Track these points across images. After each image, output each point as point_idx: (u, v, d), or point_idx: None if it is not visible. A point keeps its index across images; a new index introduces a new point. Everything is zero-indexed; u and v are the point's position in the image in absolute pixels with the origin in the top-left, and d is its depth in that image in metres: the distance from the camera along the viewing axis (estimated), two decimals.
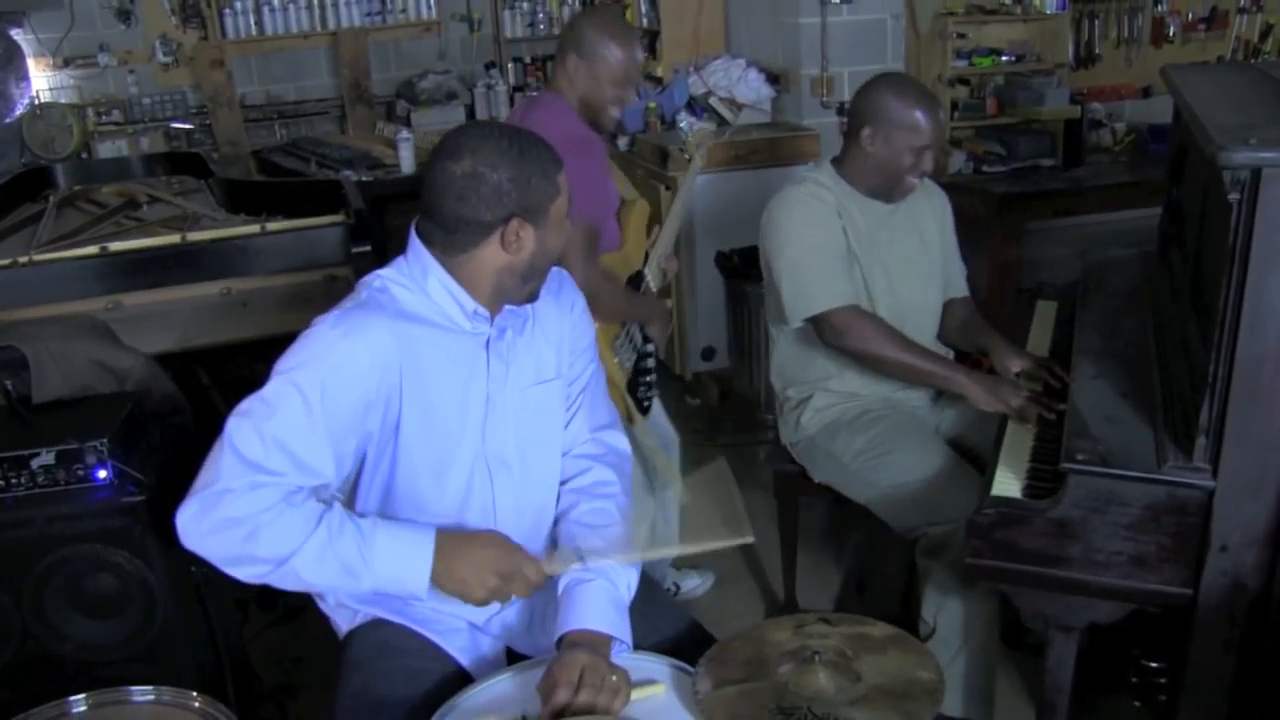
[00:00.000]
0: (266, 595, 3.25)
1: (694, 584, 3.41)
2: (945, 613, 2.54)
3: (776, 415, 3.05)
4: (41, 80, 6.57)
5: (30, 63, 6.49)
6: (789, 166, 4.61)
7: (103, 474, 2.31)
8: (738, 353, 4.53)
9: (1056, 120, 4.80)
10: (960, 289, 3.02)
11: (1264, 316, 1.83)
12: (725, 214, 4.53)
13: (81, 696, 1.93)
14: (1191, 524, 1.98)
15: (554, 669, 1.74)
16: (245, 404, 1.74)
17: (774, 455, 3.06)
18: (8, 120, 6.30)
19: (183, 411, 2.81)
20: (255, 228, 3.52)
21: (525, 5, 7.22)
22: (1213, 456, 1.93)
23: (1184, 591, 2.02)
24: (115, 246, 3.40)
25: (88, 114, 6.55)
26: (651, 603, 2.01)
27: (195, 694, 1.92)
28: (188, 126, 6.66)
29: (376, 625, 1.97)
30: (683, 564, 3.44)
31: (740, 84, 5.03)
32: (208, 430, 2.91)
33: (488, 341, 1.89)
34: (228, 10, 6.62)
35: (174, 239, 3.46)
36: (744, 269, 4.30)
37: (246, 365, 3.37)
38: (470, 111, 6.86)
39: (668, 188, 4.58)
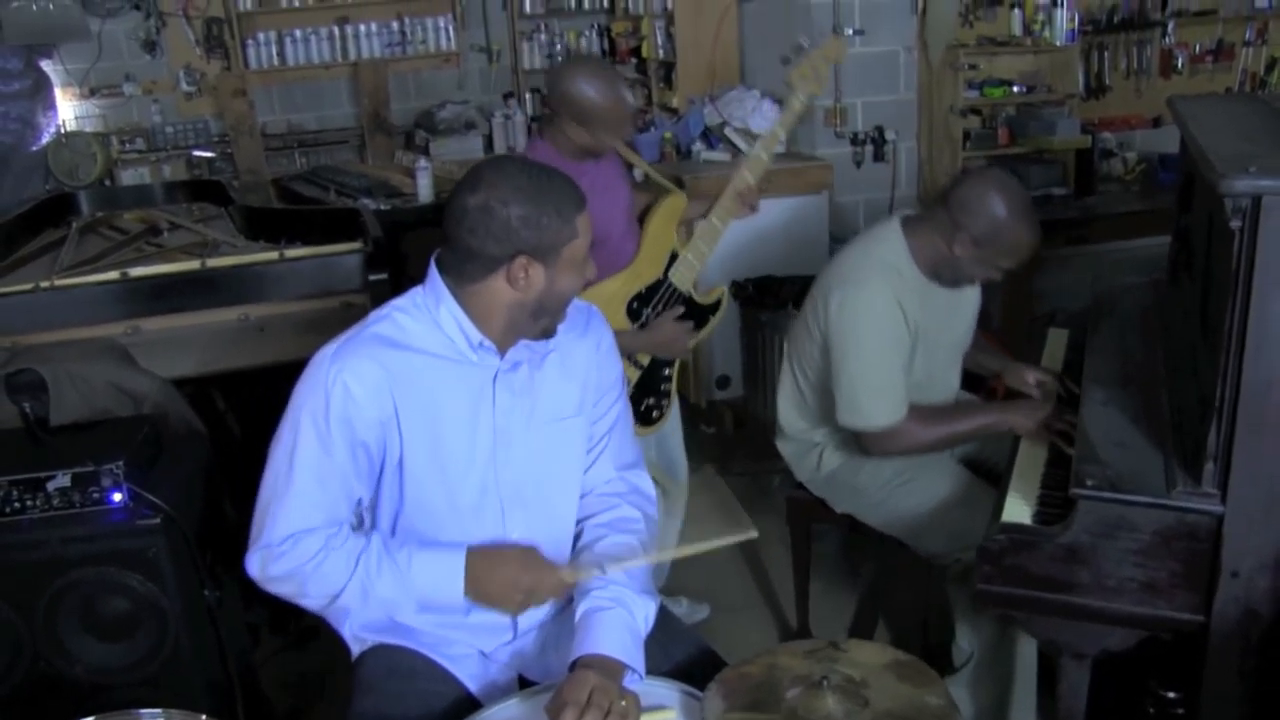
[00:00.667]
0: (278, 619, 3.25)
1: (682, 611, 3.36)
2: (982, 639, 2.53)
3: (788, 454, 2.97)
4: (68, 109, 6.66)
5: (58, 92, 6.59)
6: (804, 197, 4.64)
7: (118, 497, 2.30)
8: (752, 381, 4.52)
9: (1067, 150, 4.82)
10: None
11: (1269, 341, 1.84)
12: (740, 244, 4.44)
13: (92, 719, 1.92)
14: (1201, 550, 1.96)
15: (563, 689, 1.73)
16: (273, 446, 1.85)
17: (787, 482, 3.04)
18: (34, 148, 6.38)
19: (199, 436, 2.81)
20: (274, 254, 3.52)
21: (543, 37, 7.27)
22: (1221, 481, 1.93)
23: (1196, 618, 2.01)
24: (135, 272, 3.40)
25: (111, 142, 6.64)
26: (665, 628, 2.00)
27: (205, 717, 1.91)
28: (209, 154, 6.73)
29: (388, 649, 1.97)
30: (675, 591, 3.41)
31: (755, 114, 5.04)
32: (223, 454, 2.93)
33: (496, 374, 1.88)
34: (250, 41, 6.72)
35: (193, 265, 3.46)
36: (759, 298, 4.30)
37: (263, 390, 3.38)
38: (488, 141, 6.89)
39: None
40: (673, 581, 3.39)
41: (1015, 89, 4.92)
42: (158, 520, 2.29)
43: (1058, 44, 4.85)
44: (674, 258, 3.01)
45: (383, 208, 4.77)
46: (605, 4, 7.20)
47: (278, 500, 1.82)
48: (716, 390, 4.80)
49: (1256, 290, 1.81)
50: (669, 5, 5.74)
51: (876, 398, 2.59)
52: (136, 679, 2.35)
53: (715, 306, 3.11)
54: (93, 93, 6.68)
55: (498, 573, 1.84)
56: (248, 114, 6.60)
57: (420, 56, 7.01)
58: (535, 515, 1.95)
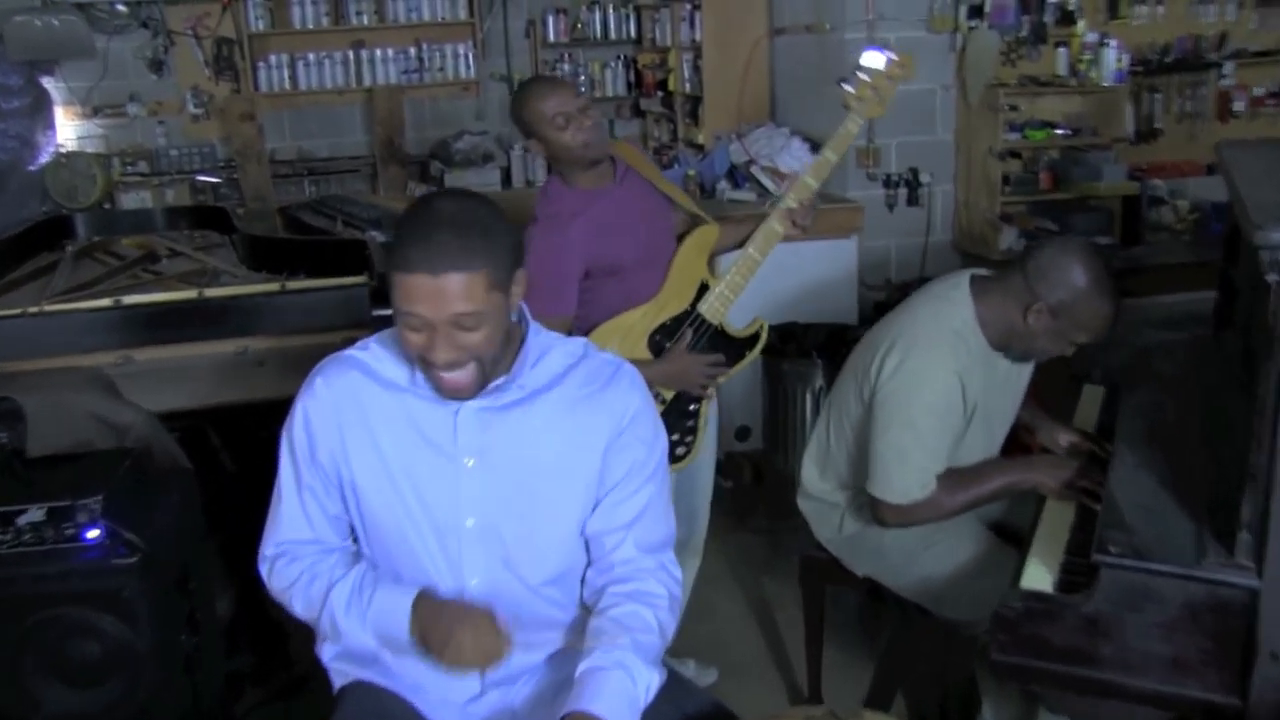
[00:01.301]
0: (263, 668, 3.24)
1: (690, 674, 3.32)
2: (1007, 716, 2.51)
3: (809, 512, 2.94)
4: (69, 129, 6.76)
5: (59, 110, 6.68)
6: (831, 240, 4.63)
7: (93, 534, 2.29)
8: (773, 434, 4.49)
9: (1114, 196, 4.82)
10: None
11: None
12: (763, 290, 4.30)
13: None
14: (1235, 626, 1.93)
15: None
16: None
17: (806, 541, 2.99)
18: (32, 168, 6.46)
19: (184, 472, 2.82)
20: (275, 286, 3.55)
21: (567, 67, 7.35)
22: (1257, 553, 1.90)
23: (1231, 701, 1.95)
24: (130, 300, 3.42)
25: (113, 164, 6.72)
26: (677, 685, 1.99)
27: None
28: (214, 180, 6.79)
29: (368, 688, 2.01)
30: (683, 653, 3.39)
31: (783, 153, 5.07)
32: (216, 493, 2.94)
33: (458, 410, 1.88)
34: (262, 64, 6.80)
35: (190, 294, 3.48)
36: (781, 346, 4.27)
37: (260, 427, 3.39)
38: (506, 174, 6.95)
39: None
40: (679, 642, 3.38)
41: (1059, 131, 4.93)
42: (135, 560, 2.29)
43: (1105, 84, 4.86)
44: (703, 290, 3.02)
45: (391, 241, 4.79)
46: (632, 35, 7.30)
47: (272, 513, 2.00)
48: (735, 441, 4.78)
49: None
50: (697, 38, 5.83)
51: (911, 474, 2.56)
52: None
53: (753, 340, 3.10)
54: (95, 112, 6.78)
55: (440, 624, 1.85)
56: (256, 139, 6.66)
57: (438, 84, 7.10)
58: (496, 566, 1.94)
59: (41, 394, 2.64)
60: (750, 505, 4.56)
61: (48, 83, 6.62)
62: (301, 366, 3.65)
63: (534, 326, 1.94)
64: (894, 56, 2.96)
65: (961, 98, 4.90)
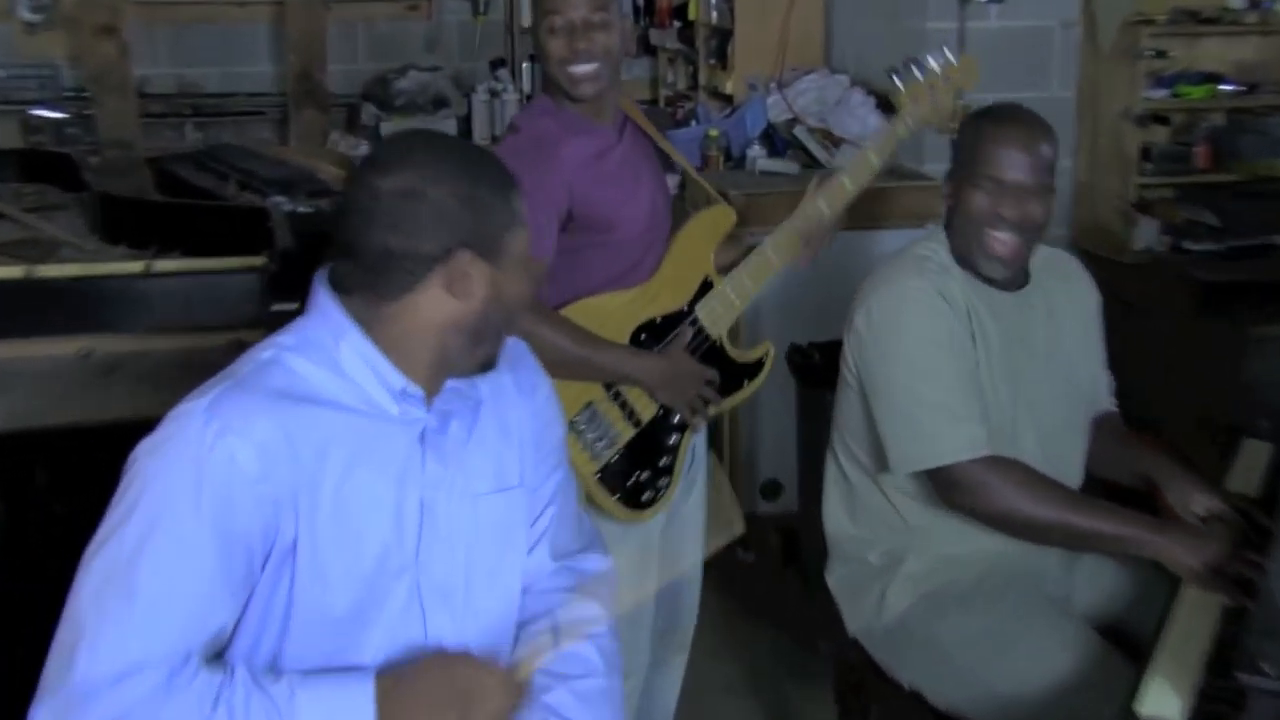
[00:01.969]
0: None
1: None
2: None
3: (838, 588, 3.02)
4: None
5: None
6: (901, 231, 4.63)
7: None
8: (812, 488, 4.45)
9: None
10: (1106, 402, 3.11)
11: None
12: (804, 294, 4.53)
13: None
14: None
15: None
16: (98, 543, 1.82)
17: (840, 639, 3.05)
18: None
19: None
20: (138, 266, 3.59)
21: None
22: None
23: None
24: None
25: None
26: None
27: None
28: (58, 116, 6.78)
29: None
30: None
31: (840, 110, 5.14)
32: (31, 554, 2.90)
33: (423, 433, 1.96)
34: None
35: (15, 273, 3.49)
36: (826, 372, 4.22)
37: (107, 460, 3.35)
38: (465, 124, 7.00)
39: None
40: None
41: (1225, 87, 4.92)
42: None
43: None
44: (705, 288, 3.10)
45: (302, 210, 4.77)
46: None
47: (100, 623, 1.77)
48: (761, 501, 4.82)
49: None
50: None
51: (944, 425, 2.71)
52: None
53: (755, 368, 3.21)
54: None
55: (423, 696, 1.86)
56: (118, 62, 6.63)
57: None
58: (464, 618, 2.03)
59: None
60: (779, 590, 4.59)
61: None
62: (167, 379, 3.61)
63: None
64: (953, 59, 3.15)
65: (1088, 39, 4.91)
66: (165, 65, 7.12)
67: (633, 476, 3.04)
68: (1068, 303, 3.01)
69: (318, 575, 1.90)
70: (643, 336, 3.05)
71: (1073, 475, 2.96)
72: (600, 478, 2.98)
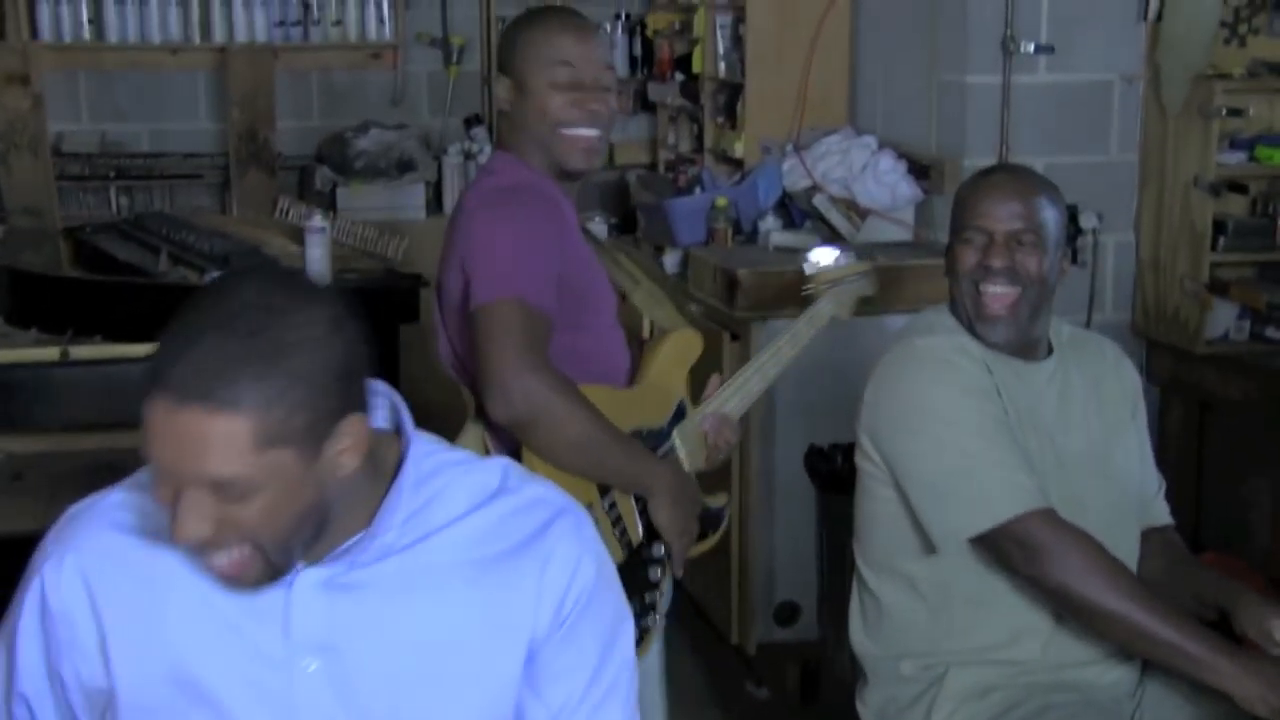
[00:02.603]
0: None
1: None
2: None
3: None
4: None
5: None
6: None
7: None
8: (834, 611, 4.39)
9: None
10: (1158, 508, 3.08)
11: None
12: (824, 386, 4.51)
13: None
14: None
15: None
16: None
17: None
18: None
19: None
20: (51, 353, 3.72)
21: None
22: None
23: None
24: None
25: None
26: None
27: None
28: None
29: None
30: None
31: (867, 176, 5.12)
32: None
33: (289, 584, 1.84)
34: None
35: None
36: (850, 476, 4.20)
37: (14, 579, 3.37)
38: (436, 191, 7.11)
39: (735, 336, 4.58)
40: None
41: None
42: None
43: None
44: (679, 413, 3.12)
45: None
46: None
47: None
48: (776, 627, 4.78)
49: None
50: None
51: (983, 468, 2.72)
52: None
53: (716, 519, 3.21)
54: None
55: None
56: (30, 116, 6.67)
57: (332, 47, 7.22)
58: None
59: None
60: None
61: None
62: (84, 486, 3.60)
63: (419, 443, 1.93)
64: (844, 259, 3.43)
65: (1153, 96, 4.90)
66: (86, 120, 7.19)
67: None
68: (1102, 385, 3.01)
69: None
70: None
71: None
72: None
